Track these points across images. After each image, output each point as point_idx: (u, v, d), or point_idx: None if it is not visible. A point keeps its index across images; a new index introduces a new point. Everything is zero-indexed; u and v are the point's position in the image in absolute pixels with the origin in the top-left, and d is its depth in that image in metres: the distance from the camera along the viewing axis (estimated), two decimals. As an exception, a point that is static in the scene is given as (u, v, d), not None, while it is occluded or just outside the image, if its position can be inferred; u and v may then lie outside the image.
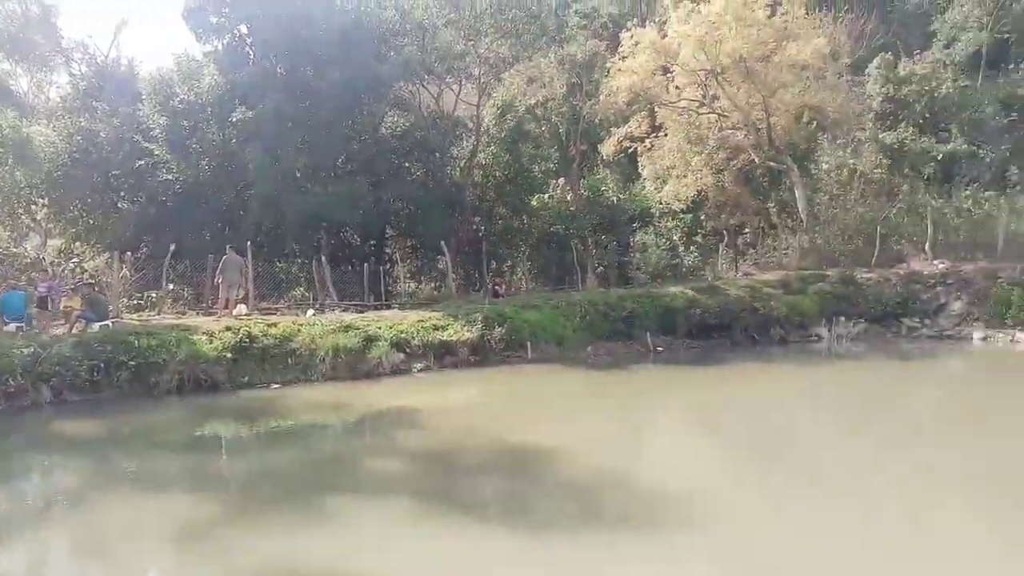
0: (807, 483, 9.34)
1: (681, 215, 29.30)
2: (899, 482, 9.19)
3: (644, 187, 30.80)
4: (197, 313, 20.19)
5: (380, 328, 17.62)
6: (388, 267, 26.79)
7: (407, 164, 27.27)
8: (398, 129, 27.17)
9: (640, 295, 22.39)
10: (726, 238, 29.04)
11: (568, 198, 29.15)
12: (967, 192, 28.46)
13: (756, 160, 27.63)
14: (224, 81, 24.34)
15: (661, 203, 29.21)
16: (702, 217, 29.39)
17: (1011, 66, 35.94)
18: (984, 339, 21.57)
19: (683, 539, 7.47)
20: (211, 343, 15.69)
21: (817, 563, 6.78)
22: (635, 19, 32.43)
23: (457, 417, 13.86)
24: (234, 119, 23.24)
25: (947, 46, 37.61)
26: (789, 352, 21.16)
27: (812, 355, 20.93)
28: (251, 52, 25.36)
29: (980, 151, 31.35)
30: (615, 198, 30.13)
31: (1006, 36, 36.35)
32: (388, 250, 28.43)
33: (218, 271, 19.14)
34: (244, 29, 25.34)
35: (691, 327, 21.77)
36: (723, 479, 9.82)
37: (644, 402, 15.66)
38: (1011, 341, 21.03)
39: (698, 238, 29.75)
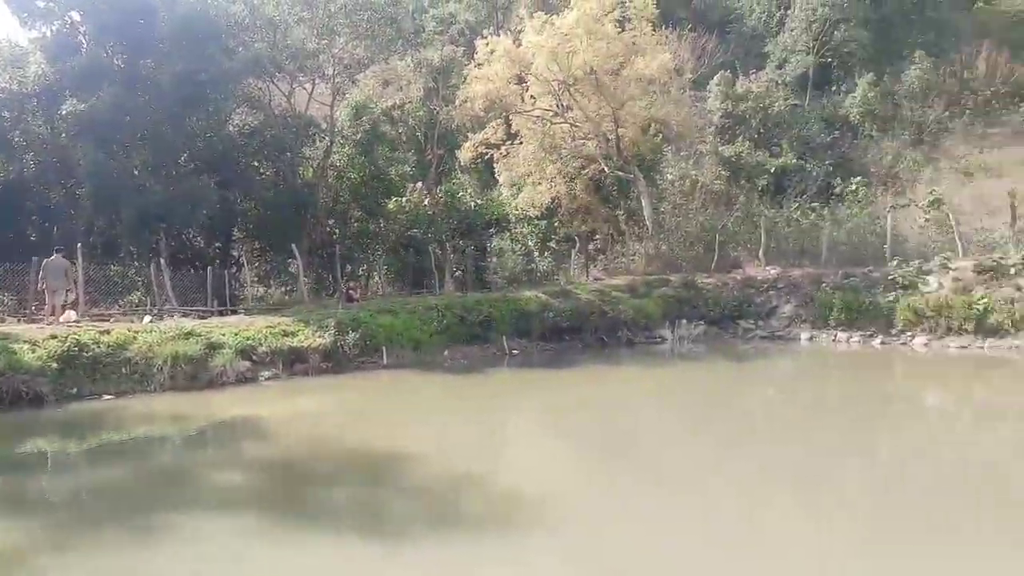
0: (653, 483, 9.70)
1: (536, 221, 29.89)
2: (736, 481, 9.70)
3: (501, 193, 31.19)
4: (19, 320, 18.53)
5: (224, 335, 16.81)
6: (234, 271, 25.65)
7: (256, 163, 26.30)
8: (247, 127, 26.15)
9: (496, 299, 22.65)
10: (578, 244, 29.85)
11: (425, 202, 29.02)
12: (796, 203, 30.71)
13: (606, 169, 28.56)
14: (53, 71, 22.57)
15: (517, 209, 29.68)
16: (556, 223, 30.11)
17: (833, 88, 39.32)
18: (810, 339, 23.28)
19: (537, 541, 7.56)
20: (34, 352, 14.43)
21: (661, 562, 7.04)
22: (491, 27, 32.76)
23: (307, 426, 13.46)
24: (64, 111, 21.59)
25: (779, 67, 40.65)
26: (636, 353, 22.05)
27: (657, 356, 21.90)
28: (84, 40, 23.65)
29: (807, 165, 34.01)
30: (472, 203, 30.29)
31: (829, 60, 39.66)
32: (235, 253, 27.23)
33: (40, 275, 17.67)
34: (76, 16, 23.60)
35: (545, 330, 22.30)
36: (575, 480, 10.05)
37: (499, 405, 15.82)
38: (833, 341, 22.83)
39: (552, 244, 30.44)
